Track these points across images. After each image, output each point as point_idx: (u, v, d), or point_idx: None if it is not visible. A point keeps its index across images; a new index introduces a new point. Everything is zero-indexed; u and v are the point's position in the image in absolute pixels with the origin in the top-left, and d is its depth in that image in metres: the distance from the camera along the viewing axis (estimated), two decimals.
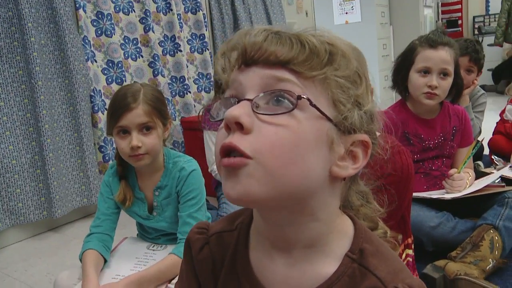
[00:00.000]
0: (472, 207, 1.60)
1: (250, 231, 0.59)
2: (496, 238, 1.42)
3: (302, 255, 0.54)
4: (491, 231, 1.44)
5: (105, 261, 1.28)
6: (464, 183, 1.58)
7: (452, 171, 1.59)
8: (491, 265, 1.39)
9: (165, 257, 1.23)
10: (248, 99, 0.49)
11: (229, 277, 0.59)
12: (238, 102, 0.49)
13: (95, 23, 2.55)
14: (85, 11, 2.46)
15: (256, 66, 0.50)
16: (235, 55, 0.51)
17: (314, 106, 0.48)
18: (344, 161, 0.51)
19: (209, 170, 2.06)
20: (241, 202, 0.49)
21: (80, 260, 1.24)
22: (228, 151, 0.47)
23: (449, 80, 1.60)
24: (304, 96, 0.48)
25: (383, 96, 4.58)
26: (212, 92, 3.15)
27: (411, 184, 1.15)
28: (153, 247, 1.40)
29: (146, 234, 1.44)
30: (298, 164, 0.47)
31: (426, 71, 1.59)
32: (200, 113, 2.16)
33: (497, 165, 2.21)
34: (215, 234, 0.62)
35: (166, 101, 1.45)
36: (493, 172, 1.94)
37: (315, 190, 0.50)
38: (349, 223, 0.56)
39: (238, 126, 0.47)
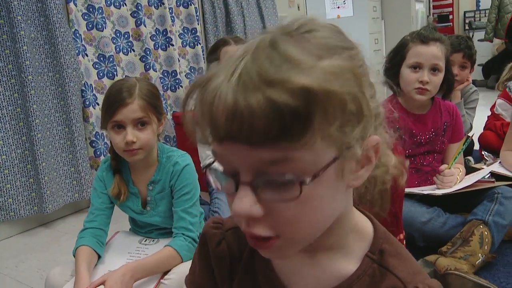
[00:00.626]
0: (462, 202, 1.62)
1: None
2: (486, 233, 1.44)
3: (323, 256, 0.54)
4: (481, 226, 1.45)
5: (99, 256, 1.28)
6: (455, 178, 1.60)
7: (443, 166, 1.61)
8: (480, 259, 1.40)
9: (163, 249, 1.23)
10: (245, 182, 0.43)
11: (248, 273, 0.59)
12: (237, 183, 0.44)
13: (86, 17, 2.52)
14: (75, 5, 2.44)
15: (239, 143, 0.41)
16: (206, 127, 0.44)
17: (319, 175, 0.43)
18: (357, 171, 0.48)
19: (201, 165, 2.05)
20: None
21: (74, 255, 1.24)
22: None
23: (440, 76, 1.61)
24: (307, 181, 0.42)
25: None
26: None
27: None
28: (145, 241, 1.40)
29: (139, 228, 1.44)
30: (321, 219, 0.48)
31: (417, 67, 1.60)
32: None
33: (487, 160, 2.23)
34: (231, 229, 0.62)
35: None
36: (483, 168, 1.96)
37: (338, 214, 0.51)
38: (368, 224, 0.57)
39: (250, 218, 0.45)
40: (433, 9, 7.24)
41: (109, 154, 1.35)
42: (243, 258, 0.60)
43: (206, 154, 2.03)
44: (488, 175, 1.76)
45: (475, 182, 1.60)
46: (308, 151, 0.41)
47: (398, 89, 1.71)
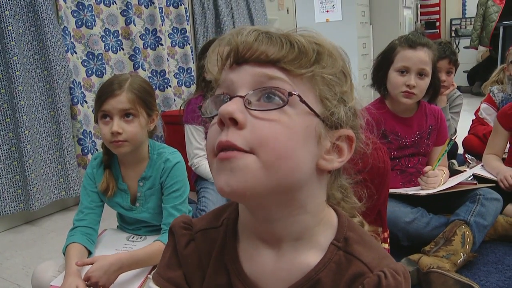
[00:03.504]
0: (445, 203, 1.65)
1: (237, 226, 0.61)
2: (467, 233, 1.48)
3: (290, 247, 0.56)
4: (463, 227, 1.49)
5: (90, 253, 1.28)
6: (439, 180, 1.63)
7: (427, 168, 1.64)
8: (462, 258, 1.43)
9: (153, 243, 1.24)
10: (240, 96, 0.50)
11: (217, 271, 0.60)
12: (230, 99, 0.51)
13: (75, 14, 2.51)
14: (65, 1, 2.42)
15: (247, 64, 0.51)
16: (226, 53, 0.53)
17: (304, 102, 0.50)
18: (330, 154, 0.54)
19: (189, 164, 2.06)
20: (235, 195, 0.50)
21: (64, 253, 1.24)
22: (224, 148, 0.49)
23: (427, 80, 1.64)
24: (295, 93, 0.50)
25: (361, 95, 4.61)
26: (193, 87, 3.15)
27: (387, 179, 1.18)
28: (132, 238, 1.41)
29: (127, 225, 1.44)
30: (290, 158, 0.49)
31: (404, 71, 1.63)
32: (181, 107, 2.16)
33: (470, 163, 2.28)
34: (200, 231, 0.63)
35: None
36: (466, 170, 2.00)
37: (304, 183, 0.52)
38: (333, 214, 0.59)
39: (232, 122, 0.49)
40: (420, 15, 7.34)
41: (97, 152, 1.36)
42: (211, 257, 0.61)
43: (194, 153, 2.04)
44: (471, 177, 1.80)
45: (458, 184, 1.63)
46: (302, 86, 0.51)
47: (385, 92, 1.74)
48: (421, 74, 1.63)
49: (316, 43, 0.52)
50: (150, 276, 1.18)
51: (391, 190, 1.53)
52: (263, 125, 0.49)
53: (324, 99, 0.52)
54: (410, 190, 1.64)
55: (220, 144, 0.49)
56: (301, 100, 0.50)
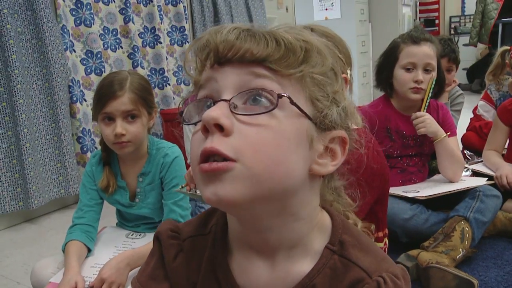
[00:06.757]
0: (444, 200, 1.65)
1: (227, 234, 0.57)
2: (467, 229, 1.48)
3: (285, 256, 0.53)
4: (462, 223, 1.49)
5: (89, 250, 1.28)
6: (428, 119, 1.63)
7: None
8: (461, 254, 1.44)
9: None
10: (225, 100, 0.47)
11: (208, 283, 0.57)
12: (214, 103, 0.47)
13: (74, 12, 2.51)
14: (63, 0, 2.43)
15: (231, 64, 0.47)
16: (205, 55, 0.49)
17: (295, 104, 0.47)
18: (324, 158, 0.51)
19: (188, 162, 2.06)
20: (223, 205, 0.47)
21: (63, 251, 1.24)
22: (208, 156, 0.45)
23: (433, 75, 1.65)
24: (285, 95, 0.46)
25: (361, 93, 4.65)
26: (192, 85, 3.15)
27: (385, 182, 1.15)
28: (132, 235, 1.41)
29: (126, 222, 1.44)
30: (282, 164, 0.46)
31: (411, 67, 1.64)
32: (180, 105, 2.16)
33: (469, 159, 2.28)
34: (188, 239, 0.59)
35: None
36: (466, 167, 2.00)
37: (297, 189, 0.49)
38: (326, 216, 0.56)
39: (217, 128, 0.45)
40: (419, 13, 7.33)
41: (97, 149, 1.35)
42: (201, 269, 0.57)
43: None
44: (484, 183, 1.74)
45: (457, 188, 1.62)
46: (291, 87, 0.48)
47: (391, 90, 1.73)
48: (427, 69, 1.63)
49: (303, 40, 0.48)
50: None
51: (390, 190, 1.52)
52: (251, 131, 0.45)
53: (314, 100, 0.49)
54: (409, 193, 1.62)
55: (204, 152, 0.45)
56: (292, 102, 0.46)
